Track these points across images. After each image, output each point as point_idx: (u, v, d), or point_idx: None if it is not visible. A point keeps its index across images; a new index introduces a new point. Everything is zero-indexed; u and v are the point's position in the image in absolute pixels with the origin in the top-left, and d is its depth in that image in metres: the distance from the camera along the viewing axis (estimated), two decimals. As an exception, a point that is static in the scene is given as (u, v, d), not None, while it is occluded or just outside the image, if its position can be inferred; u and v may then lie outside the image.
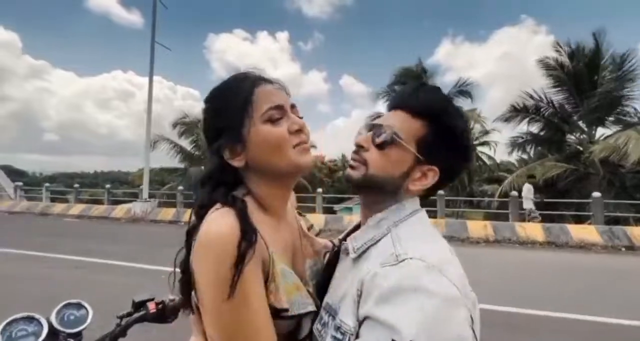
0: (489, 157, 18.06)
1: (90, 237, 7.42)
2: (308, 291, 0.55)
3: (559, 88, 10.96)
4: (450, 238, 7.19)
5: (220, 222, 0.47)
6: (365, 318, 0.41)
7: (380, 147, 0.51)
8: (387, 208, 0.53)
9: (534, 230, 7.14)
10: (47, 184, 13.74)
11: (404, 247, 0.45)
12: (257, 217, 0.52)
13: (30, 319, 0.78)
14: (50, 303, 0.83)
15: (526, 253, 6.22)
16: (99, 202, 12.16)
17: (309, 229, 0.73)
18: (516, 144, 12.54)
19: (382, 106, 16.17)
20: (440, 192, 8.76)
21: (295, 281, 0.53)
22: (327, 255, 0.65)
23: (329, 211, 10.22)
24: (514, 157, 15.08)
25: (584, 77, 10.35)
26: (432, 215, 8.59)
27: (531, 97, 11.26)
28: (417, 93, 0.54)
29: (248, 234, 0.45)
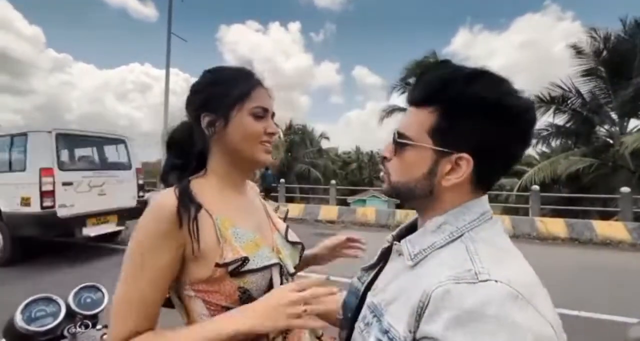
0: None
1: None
2: (281, 258, 0.65)
3: (590, 77, 10.31)
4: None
5: (161, 198, 0.57)
6: (429, 338, 0.36)
7: (397, 153, 0.48)
8: (446, 211, 0.45)
9: (556, 225, 6.88)
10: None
11: (484, 263, 0.38)
12: (208, 190, 0.62)
13: (48, 300, 0.79)
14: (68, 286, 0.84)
15: (547, 249, 6.01)
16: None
17: (275, 210, 0.81)
18: (540, 137, 11.97)
19: (397, 99, 15.76)
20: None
21: (253, 240, 0.61)
22: (380, 251, 0.58)
23: (342, 203, 10.19)
24: (535, 150, 14.42)
25: (619, 65, 9.70)
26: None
27: (558, 86, 10.65)
28: (418, 81, 0.48)
29: (184, 205, 0.55)
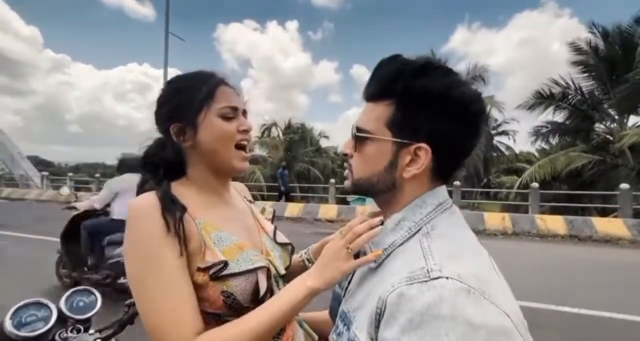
0: (507, 147, 17.48)
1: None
2: (270, 259, 0.65)
3: (589, 74, 10.28)
4: (466, 230, 7.07)
5: (141, 200, 0.56)
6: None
7: (358, 149, 0.49)
8: (406, 205, 0.46)
9: (556, 223, 6.89)
10: (70, 174, 14.33)
11: (436, 259, 0.38)
12: (189, 196, 0.61)
13: (39, 304, 0.78)
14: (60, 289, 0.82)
15: (546, 246, 6.01)
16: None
17: (262, 212, 0.80)
18: (540, 134, 11.96)
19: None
20: (457, 183, 8.53)
21: (237, 243, 0.60)
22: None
23: (342, 202, 10.18)
24: (534, 147, 14.43)
25: (618, 61, 9.68)
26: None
27: (557, 83, 10.61)
28: (372, 77, 0.48)
29: (167, 207, 0.54)
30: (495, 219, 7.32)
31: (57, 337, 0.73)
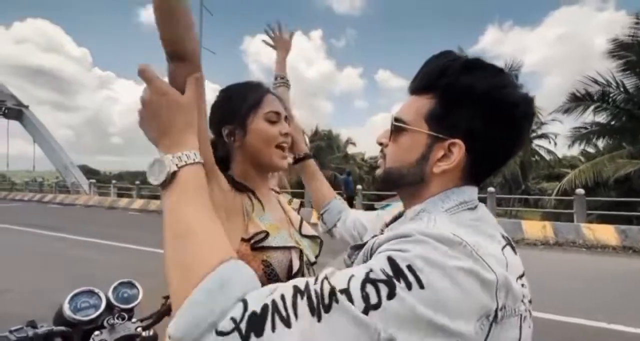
0: (548, 151, 16.31)
1: (148, 228, 8.21)
2: (298, 244, 0.70)
3: (633, 70, 9.30)
4: (501, 239, 6.66)
5: None
6: (379, 252, 0.37)
7: (393, 139, 0.49)
8: (427, 199, 0.46)
9: (606, 232, 6.29)
10: (114, 181, 15.51)
11: (437, 224, 0.39)
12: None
13: (91, 293, 0.87)
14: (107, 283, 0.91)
15: (595, 258, 5.49)
16: (157, 197, 13.37)
17: (289, 203, 0.86)
18: (578, 136, 10.98)
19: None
20: (491, 189, 8.09)
21: (274, 224, 0.68)
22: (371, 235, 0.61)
23: (370, 208, 10.04)
24: (573, 150, 13.29)
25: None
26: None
27: (596, 82, 9.69)
28: (419, 71, 0.48)
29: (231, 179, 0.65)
30: (534, 228, 6.84)
31: (105, 323, 0.81)
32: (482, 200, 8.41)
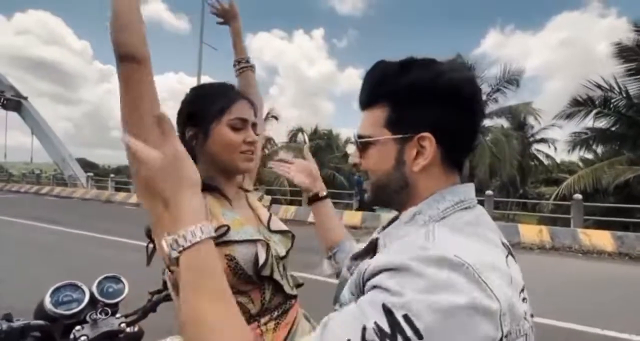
0: (547, 156, 16.34)
1: (144, 222, 8.17)
2: (267, 241, 0.68)
3: (637, 76, 9.30)
4: (498, 243, 6.67)
5: None
6: (373, 287, 0.35)
7: (364, 156, 0.50)
8: (422, 200, 0.45)
9: (602, 238, 6.30)
10: (112, 175, 15.44)
11: (437, 241, 0.37)
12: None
13: (75, 287, 0.85)
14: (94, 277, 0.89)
15: (590, 264, 5.50)
16: (154, 192, 13.27)
17: (259, 199, 0.84)
18: (578, 141, 10.98)
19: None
20: (489, 192, 8.10)
21: (238, 219, 0.67)
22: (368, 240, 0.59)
23: (368, 209, 10.02)
24: (572, 156, 13.29)
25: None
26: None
27: (599, 86, 9.66)
28: (361, 86, 0.49)
29: None
30: (531, 231, 6.84)
31: (88, 317, 0.79)
32: (480, 202, 8.38)
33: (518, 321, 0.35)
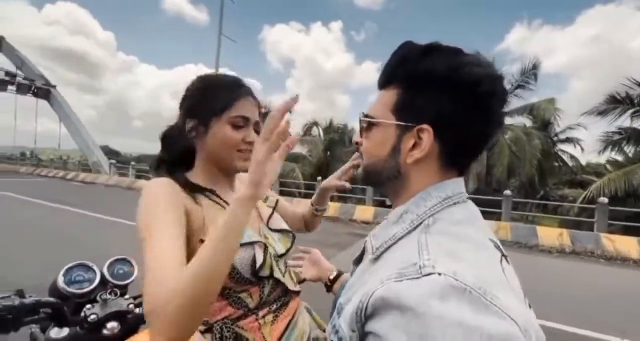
0: (571, 157, 15.59)
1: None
2: (268, 241, 0.68)
3: None
4: (515, 245, 6.46)
5: (154, 180, 0.63)
6: (371, 333, 0.33)
7: (365, 136, 0.49)
8: (413, 195, 0.43)
9: (627, 244, 5.99)
10: (132, 163, 15.99)
11: (431, 255, 0.34)
12: (198, 182, 0.67)
13: (87, 267, 0.87)
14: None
15: (613, 270, 5.25)
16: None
17: (264, 200, 0.83)
18: (610, 141, 10.41)
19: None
20: (507, 192, 7.84)
21: None
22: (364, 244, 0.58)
23: (380, 204, 9.94)
24: (603, 157, 12.60)
25: None
26: (497, 217, 7.76)
27: (639, 84, 9.10)
28: (385, 65, 0.47)
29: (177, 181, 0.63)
30: (550, 234, 6.60)
31: (98, 297, 0.81)
32: (498, 203, 8.21)
33: (537, 332, 0.32)
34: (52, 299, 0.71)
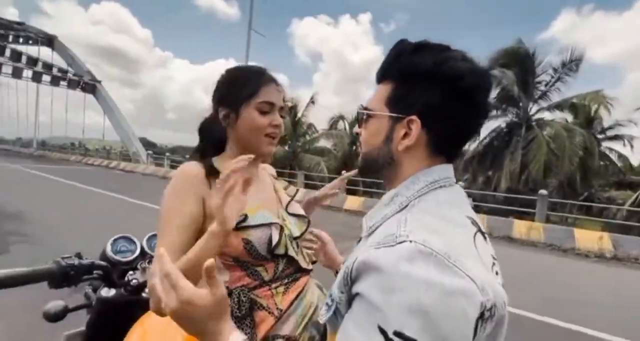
0: (620, 156, 14.27)
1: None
2: (284, 223, 0.76)
3: None
4: (548, 247, 6.12)
5: (189, 164, 0.73)
6: (357, 294, 0.38)
7: (364, 127, 0.53)
8: (405, 180, 0.48)
9: (679, 252, 5.46)
10: (167, 154, 16.96)
11: (407, 227, 0.39)
12: (223, 167, 0.70)
13: (130, 240, 1.00)
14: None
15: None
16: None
17: (285, 188, 0.91)
18: None
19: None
20: (543, 191, 7.37)
21: (255, 205, 0.72)
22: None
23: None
24: None
25: None
26: (530, 217, 7.36)
27: None
28: (382, 61, 0.52)
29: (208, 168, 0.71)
30: (589, 237, 6.16)
31: (138, 265, 0.93)
32: (532, 203, 7.75)
33: (502, 295, 0.37)
34: (103, 263, 0.83)
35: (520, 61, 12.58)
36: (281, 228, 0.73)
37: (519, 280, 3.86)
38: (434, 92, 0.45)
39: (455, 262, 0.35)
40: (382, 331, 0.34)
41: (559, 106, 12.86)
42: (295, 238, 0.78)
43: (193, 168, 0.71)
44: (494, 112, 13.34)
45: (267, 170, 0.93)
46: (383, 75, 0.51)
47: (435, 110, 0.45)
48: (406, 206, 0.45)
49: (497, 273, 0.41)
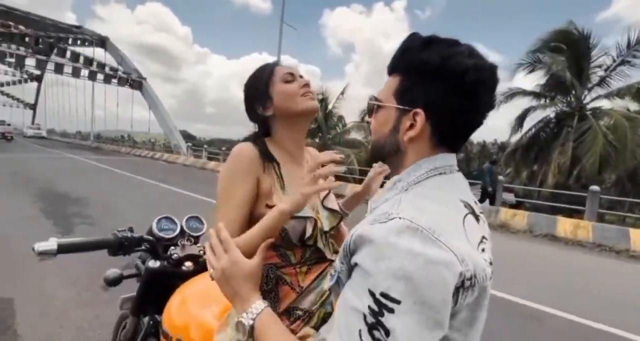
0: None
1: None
2: (318, 216, 0.78)
3: None
4: (597, 248, 5.62)
5: (243, 144, 0.76)
6: (355, 264, 0.43)
7: (373, 116, 0.56)
8: (405, 170, 0.52)
9: None
10: (205, 146, 17.91)
11: (400, 207, 0.43)
12: (272, 150, 0.78)
13: (171, 220, 1.13)
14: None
15: None
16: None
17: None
18: None
19: (522, 79, 13.08)
20: (594, 187, 6.70)
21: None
22: None
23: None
24: None
25: None
26: (580, 215, 6.77)
27: None
28: (393, 53, 0.54)
29: (260, 151, 0.74)
30: (648, 239, 5.56)
31: (179, 242, 1.06)
32: (582, 199, 7.07)
33: (483, 267, 0.40)
34: (150, 237, 0.97)
35: (572, 44, 11.37)
36: (315, 222, 0.76)
37: (565, 283, 3.63)
38: (439, 87, 0.47)
39: (439, 237, 0.39)
40: (371, 293, 0.39)
41: (619, 93, 11.50)
42: (325, 232, 0.81)
43: (249, 149, 0.74)
44: (541, 101, 12.29)
45: (312, 156, 0.95)
46: (392, 68, 0.53)
47: (439, 104, 0.47)
48: (406, 190, 0.49)
49: (483, 250, 0.44)
